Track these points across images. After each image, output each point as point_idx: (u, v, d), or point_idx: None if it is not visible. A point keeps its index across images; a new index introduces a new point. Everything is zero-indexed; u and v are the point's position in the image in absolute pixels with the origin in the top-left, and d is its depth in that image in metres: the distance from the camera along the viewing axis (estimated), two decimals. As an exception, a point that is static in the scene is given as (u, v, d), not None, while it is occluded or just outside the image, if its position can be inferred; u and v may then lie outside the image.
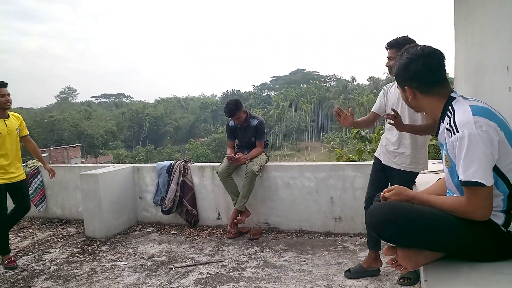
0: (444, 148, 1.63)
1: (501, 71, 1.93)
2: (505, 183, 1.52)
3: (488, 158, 1.46)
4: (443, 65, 1.65)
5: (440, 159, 4.99)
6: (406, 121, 3.02)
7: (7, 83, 4.16)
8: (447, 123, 1.58)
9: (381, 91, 3.37)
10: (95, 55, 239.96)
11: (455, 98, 1.63)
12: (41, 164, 6.27)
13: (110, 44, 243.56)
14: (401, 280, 3.19)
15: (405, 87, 1.72)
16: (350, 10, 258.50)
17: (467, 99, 1.63)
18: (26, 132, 4.47)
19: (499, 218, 1.54)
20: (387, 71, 3.14)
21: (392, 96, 3.20)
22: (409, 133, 3.04)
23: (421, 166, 3.16)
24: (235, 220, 4.53)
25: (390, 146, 3.21)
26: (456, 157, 1.52)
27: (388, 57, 3.07)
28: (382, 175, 3.31)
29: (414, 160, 3.11)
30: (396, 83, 3.14)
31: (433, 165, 3.97)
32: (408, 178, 3.15)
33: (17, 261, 4.24)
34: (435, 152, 5.89)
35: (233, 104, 4.54)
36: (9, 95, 4.14)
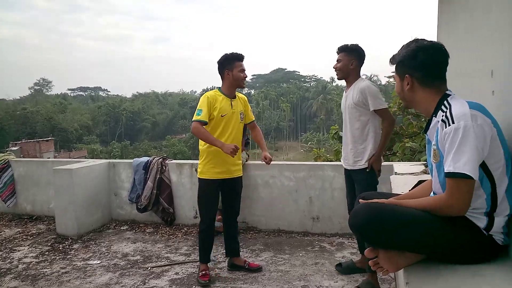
0: (434, 142, 1.63)
1: (485, 75, 1.94)
2: (490, 181, 1.52)
3: (478, 152, 1.46)
4: (447, 62, 1.68)
5: (416, 161, 5.06)
6: (346, 123, 3.33)
7: (244, 56, 3.46)
8: (442, 115, 1.57)
9: None
10: (72, 46, 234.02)
11: (451, 95, 1.66)
12: (13, 157, 6.05)
13: (87, 35, 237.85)
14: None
15: (406, 76, 1.71)
16: (329, 9, 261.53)
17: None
18: (252, 117, 3.71)
19: (481, 221, 1.53)
20: (335, 73, 3.36)
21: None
22: (351, 131, 3.27)
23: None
24: (218, 217, 4.45)
25: (346, 146, 3.36)
26: (447, 149, 1.51)
27: (337, 60, 3.32)
28: (352, 182, 3.39)
29: (364, 156, 3.23)
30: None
31: (411, 167, 4.00)
32: (368, 177, 3.23)
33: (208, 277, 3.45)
34: (411, 154, 5.97)
35: None
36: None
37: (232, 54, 3.43)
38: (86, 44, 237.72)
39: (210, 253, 3.57)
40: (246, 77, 3.47)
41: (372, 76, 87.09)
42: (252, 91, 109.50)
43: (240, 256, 3.71)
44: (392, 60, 1.80)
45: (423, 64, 1.66)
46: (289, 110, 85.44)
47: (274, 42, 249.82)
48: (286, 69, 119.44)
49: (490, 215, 1.53)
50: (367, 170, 3.21)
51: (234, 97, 3.49)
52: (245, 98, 3.68)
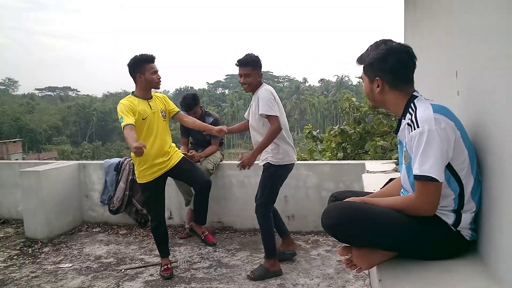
0: (404, 144, 1.66)
1: (450, 75, 2.01)
2: (457, 182, 1.56)
3: (443, 155, 1.50)
4: (415, 65, 1.70)
5: (388, 159, 5.18)
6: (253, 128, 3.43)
7: (155, 57, 3.39)
8: (409, 119, 1.61)
9: None
10: (38, 45, 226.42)
11: (417, 96, 1.68)
12: None
13: (53, 33, 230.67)
14: (249, 274, 3.42)
15: (376, 78, 1.72)
16: (301, 10, 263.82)
17: (428, 99, 1.68)
18: (176, 109, 3.62)
19: (449, 218, 1.58)
20: (242, 88, 3.37)
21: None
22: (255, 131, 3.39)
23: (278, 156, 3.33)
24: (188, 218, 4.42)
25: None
26: (413, 152, 1.55)
27: (241, 74, 3.28)
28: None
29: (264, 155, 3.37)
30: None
31: (383, 165, 4.10)
32: (265, 175, 3.38)
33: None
34: (382, 153, 6.11)
35: (191, 98, 4.44)
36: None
37: (141, 56, 3.33)
38: (53, 42, 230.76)
39: (167, 246, 3.65)
40: (160, 78, 3.37)
41: (343, 76, 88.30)
42: (226, 91, 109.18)
43: (202, 227, 3.77)
44: (360, 60, 1.79)
45: (393, 67, 1.66)
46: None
47: (247, 42, 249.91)
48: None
49: (458, 212, 1.58)
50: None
51: (151, 97, 3.43)
52: (164, 95, 3.63)
